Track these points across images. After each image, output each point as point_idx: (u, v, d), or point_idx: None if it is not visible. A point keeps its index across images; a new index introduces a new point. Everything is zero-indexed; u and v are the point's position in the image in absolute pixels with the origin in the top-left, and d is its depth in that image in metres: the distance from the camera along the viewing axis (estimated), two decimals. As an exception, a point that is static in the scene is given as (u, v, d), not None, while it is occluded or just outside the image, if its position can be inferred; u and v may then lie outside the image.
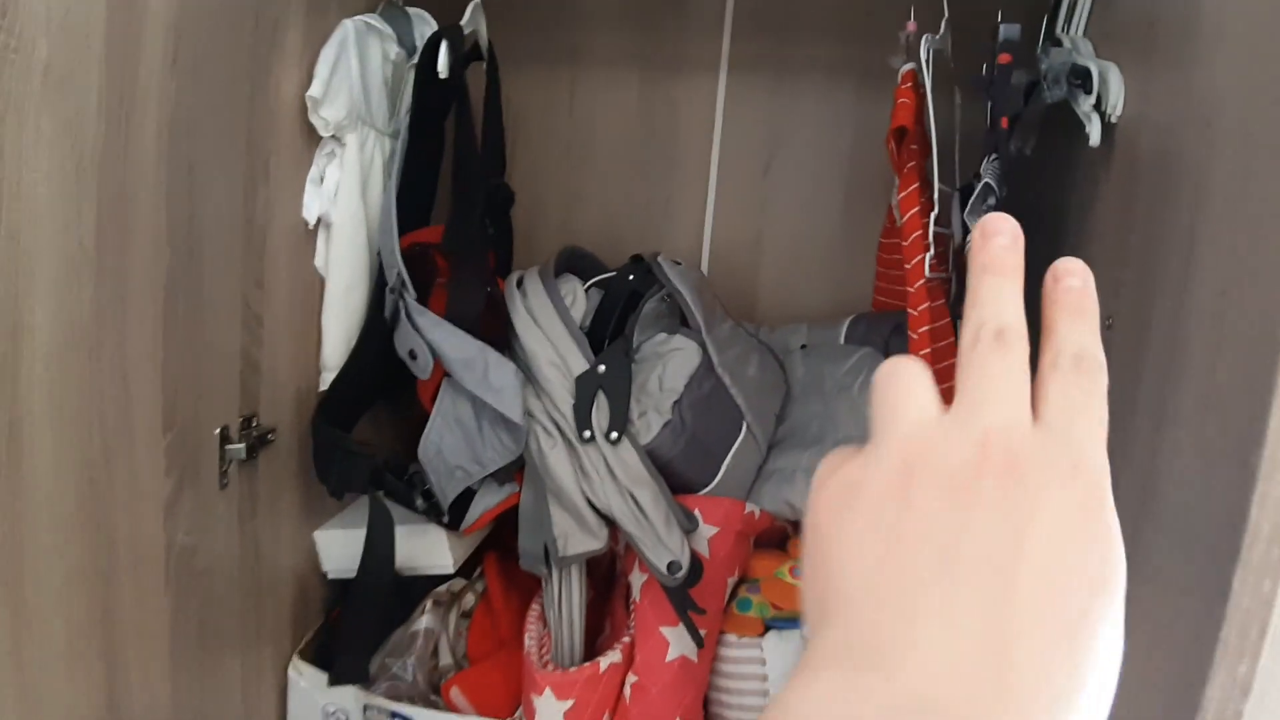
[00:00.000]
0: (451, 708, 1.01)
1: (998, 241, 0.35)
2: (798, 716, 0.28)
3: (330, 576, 1.09)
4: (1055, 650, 0.27)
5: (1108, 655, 0.28)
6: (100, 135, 0.68)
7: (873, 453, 0.32)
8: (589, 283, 1.12)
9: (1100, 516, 0.29)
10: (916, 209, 0.91)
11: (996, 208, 0.89)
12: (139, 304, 0.74)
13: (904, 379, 0.34)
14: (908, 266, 0.91)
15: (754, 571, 1.05)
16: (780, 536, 1.11)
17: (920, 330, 0.90)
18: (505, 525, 1.03)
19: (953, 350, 0.95)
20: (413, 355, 0.96)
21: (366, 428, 1.09)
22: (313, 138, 0.97)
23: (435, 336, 0.95)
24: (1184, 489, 0.51)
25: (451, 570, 1.06)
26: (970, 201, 0.91)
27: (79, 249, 0.67)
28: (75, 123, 0.66)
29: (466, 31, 1.03)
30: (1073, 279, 0.34)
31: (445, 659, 1.07)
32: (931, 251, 0.91)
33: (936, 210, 0.92)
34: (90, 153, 0.67)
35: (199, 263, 0.81)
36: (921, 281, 0.90)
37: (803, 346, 1.21)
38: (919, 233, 0.91)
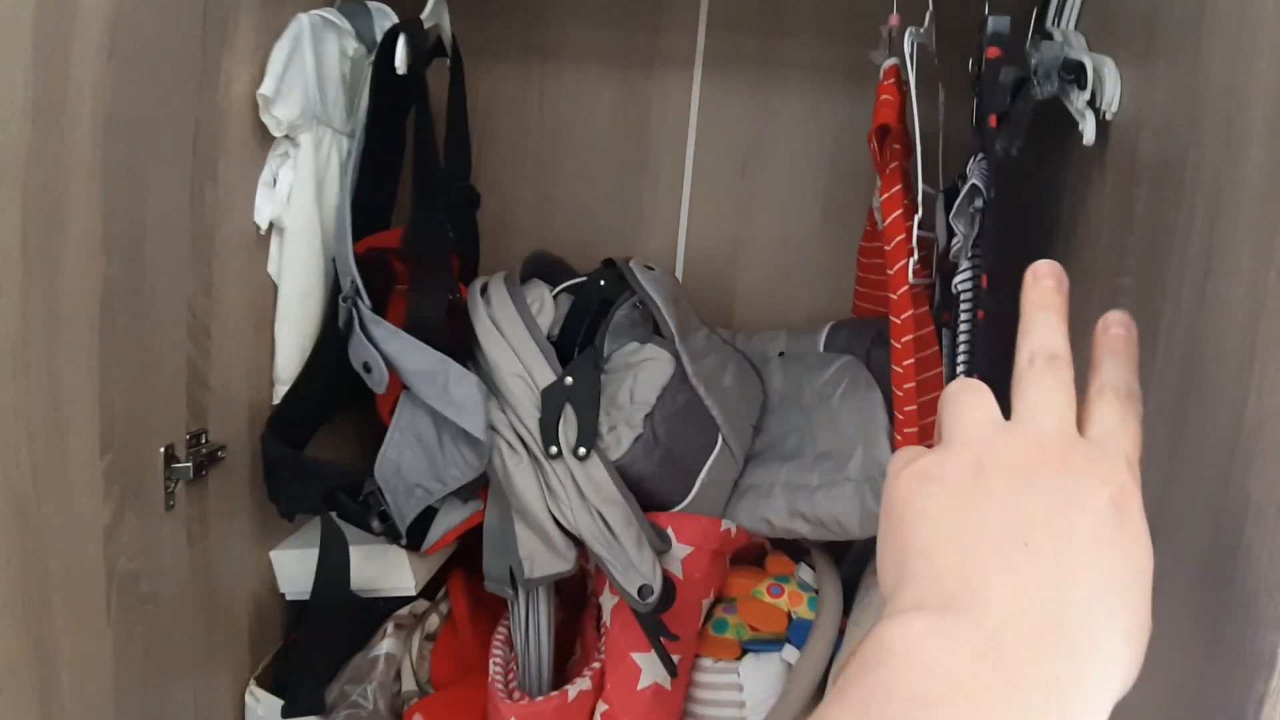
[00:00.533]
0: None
1: (1046, 284, 0.42)
2: (900, 654, 0.33)
3: (289, 598, 1.04)
4: (1096, 605, 0.34)
5: (1135, 626, 0.34)
6: (26, 135, 0.62)
7: (946, 450, 0.39)
8: (558, 288, 1.07)
9: (1132, 511, 0.36)
10: (900, 212, 0.87)
11: (984, 210, 0.85)
12: (72, 316, 0.69)
13: (972, 394, 0.41)
14: (890, 272, 0.87)
15: (730, 590, 1.01)
16: (758, 553, 1.07)
17: (904, 339, 0.86)
18: (472, 542, 0.98)
19: (938, 360, 0.91)
20: (367, 368, 0.91)
21: (327, 441, 1.05)
22: (265, 138, 0.92)
23: (391, 348, 0.90)
24: (1207, 536, 0.46)
25: (414, 592, 1.02)
26: (956, 204, 0.88)
27: (2, 258, 0.62)
28: (-1, 122, 0.61)
29: (428, 25, 0.98)
30: (1119, 328, 0.42)
31: (408, 684, 1.02)
32: (915, 256, 0.87)
33: (920, 213, 0.88)
34: (15, 154, 0.62)
35: (140, 271, 0.76)
36: (905, 288, 0.86)
37: (781, 354, 1.17)
38: (902, 236, 0.87)
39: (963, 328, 0.88)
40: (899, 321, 0.87)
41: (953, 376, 0.89)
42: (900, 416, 0.88)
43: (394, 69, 0.93)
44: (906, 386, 0.87)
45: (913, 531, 0.38)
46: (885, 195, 0.88)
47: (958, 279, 0.88)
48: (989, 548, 0.35)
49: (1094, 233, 0.79)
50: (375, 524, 0.93)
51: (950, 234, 0.90)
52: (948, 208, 0.91)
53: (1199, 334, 0.50)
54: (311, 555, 0.94)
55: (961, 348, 0.88)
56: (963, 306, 0.88)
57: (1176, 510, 0.50)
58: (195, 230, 0.84)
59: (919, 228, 0.88)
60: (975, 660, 0.32)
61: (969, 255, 0.88)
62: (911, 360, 0.86)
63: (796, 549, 1.06)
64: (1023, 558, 0.35)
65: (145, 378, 0.78)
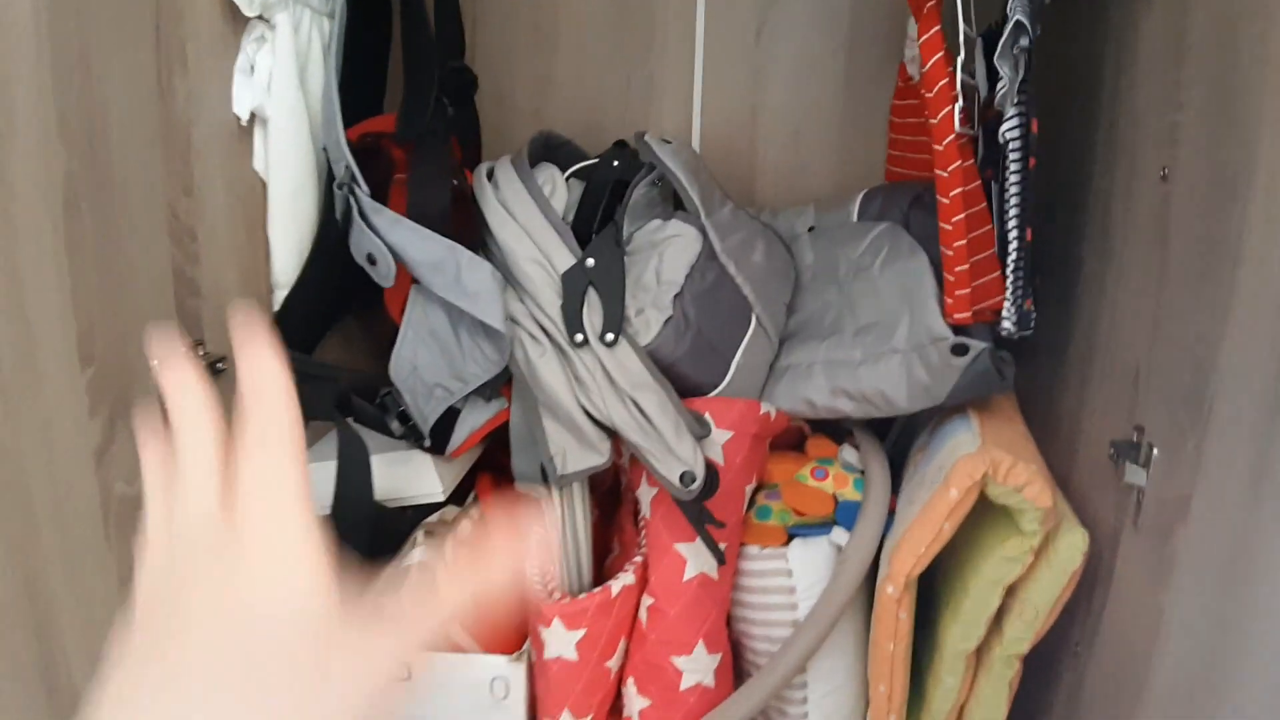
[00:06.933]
0: (452, 645, 0.92)
1: None
2: None
3: (309, 514, 0.99)
4: None
5: None
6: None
7: None
8: (568, 171, 1.00)
9: None
10: (941, 54, 0.79)
11: (1029, 49, 0.77)
12: (31, 218, 0.61)
13: None
14: (933, 121, 0.79)
15: (772, 476, 0.96)
16: (797, 437, 1.02)
17: (952, 193, 0.79)
18: (499, 441, 0.93)
19: (987, 217, 0.84)
20: (371, 260, 0.85)
21: (336, 347, 0.99)
22: (237, 19, 0.84)
23: (396, 238, 0.83)
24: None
25: (442, 498, 0.96)
26: (1000, 43, 0.80)
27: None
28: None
29: (407, -112, 0.89)
30: None
31: (442, 593, 0.98)
32: (960, 102, 0.79)
33: (963, 55, 0.80)
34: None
35: (106, 166, 0.69)
36: (951, 137, 0.79)
37: (810, 229, 1.09)
38: (945, 81, 0.79)
39: (1013, 179, 0.81)
40: (946, 175, 0.79)
41: (1003, 233, 0.81)
42: (951, 278, 0.81)
43: (373, -63, 0.85)
44: (957, 244, 0.79)
45: None
46: (923, 37, 0.80)
47: (1004, 126, 0.81)
48: None
49: (1146, 69, 0.72)
50: (395, 425, 0.88)
51: (993, 80, 0.83)
52: (988, 52, 0.83)
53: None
54: (330, 468, 0.89)
55: (1012, 200, 0.81)
56: (1012, 156, 0.81)
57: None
58: (167, 123, 0.76)
59: (962, 72, 0.80)
60: None
61: (1015, 100, 0.81)
62: (962, 216, 0.79)
63: (836, 431, 1.00)
64: None
65: (125, 285, 0.72)
